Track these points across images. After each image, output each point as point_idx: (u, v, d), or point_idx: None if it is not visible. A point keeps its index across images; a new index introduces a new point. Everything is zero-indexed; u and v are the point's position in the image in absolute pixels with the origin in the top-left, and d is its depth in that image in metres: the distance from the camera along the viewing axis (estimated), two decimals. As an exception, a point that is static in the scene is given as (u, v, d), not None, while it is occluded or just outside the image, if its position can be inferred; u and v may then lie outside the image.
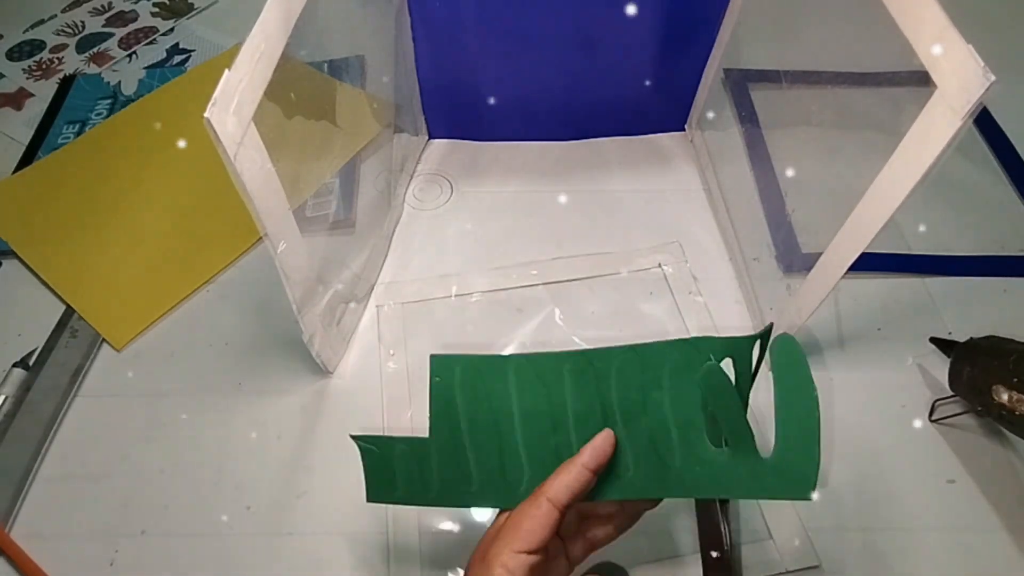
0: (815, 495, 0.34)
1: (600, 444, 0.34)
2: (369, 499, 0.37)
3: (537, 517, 0.32)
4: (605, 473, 0.34)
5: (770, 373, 0.34)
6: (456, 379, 0.36)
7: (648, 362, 0.35)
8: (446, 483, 0.36)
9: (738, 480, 0.34)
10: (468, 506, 0.43)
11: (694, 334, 0.54)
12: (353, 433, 0.36)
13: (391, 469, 0.36)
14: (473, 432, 0.36)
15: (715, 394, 0.34)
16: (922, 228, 0.61)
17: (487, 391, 0.36)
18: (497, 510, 0.36)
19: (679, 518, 0.45)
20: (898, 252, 0.59)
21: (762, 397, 0.35)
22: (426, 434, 0.36)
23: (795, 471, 0.33)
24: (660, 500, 0.36)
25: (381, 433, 0.49)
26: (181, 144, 0.67)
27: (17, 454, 0.49)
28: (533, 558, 0.31)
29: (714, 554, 0.35)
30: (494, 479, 0.36)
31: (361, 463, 0.37)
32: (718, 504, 0.41)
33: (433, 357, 0.36)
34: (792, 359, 0.34)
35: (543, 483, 0.33)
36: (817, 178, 0.60)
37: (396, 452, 0.36)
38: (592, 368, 0.36)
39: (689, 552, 0.44)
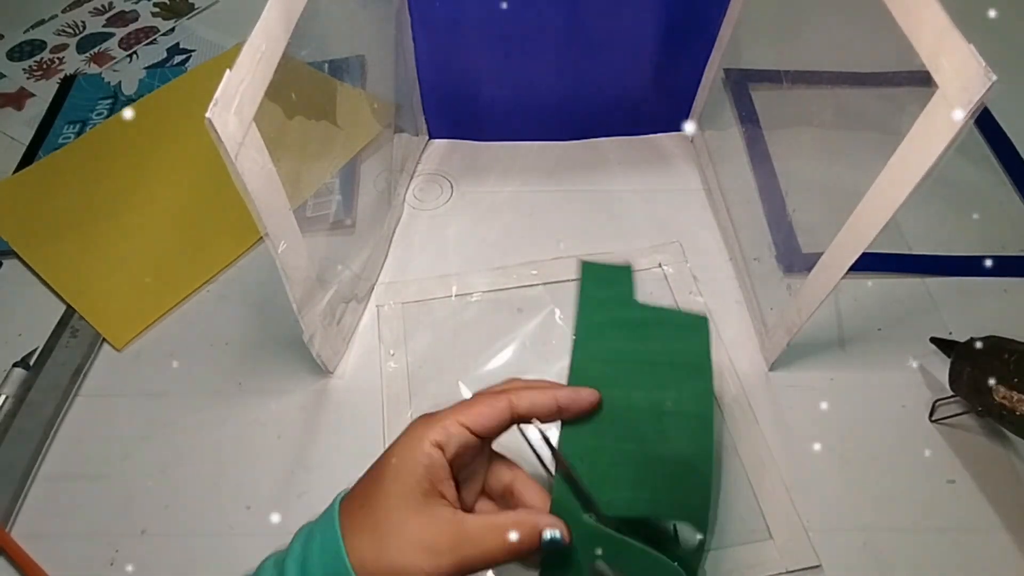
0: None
1: (584, 394, 0.35)
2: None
3: (493, 406, 0.33)
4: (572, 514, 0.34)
5: None
6: None
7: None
8: None
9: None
10: None
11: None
12: None
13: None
14: None
15: None
16: (922, 228, 0.61)
17: None
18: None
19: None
20: (899, 252, 0.59)
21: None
22: None
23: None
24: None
25: (382, 434, 0.49)
26: (181, 144, 0.67)
27: (18, 454, 0.49)
28: (470, 438, 0.32)
29: None
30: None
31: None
32: None
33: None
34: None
35: (514, 386, 0.35)
36: (818, 178, 0.60)
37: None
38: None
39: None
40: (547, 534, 0.32)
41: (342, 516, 0.32)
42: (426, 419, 0.33)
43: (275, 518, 0.46)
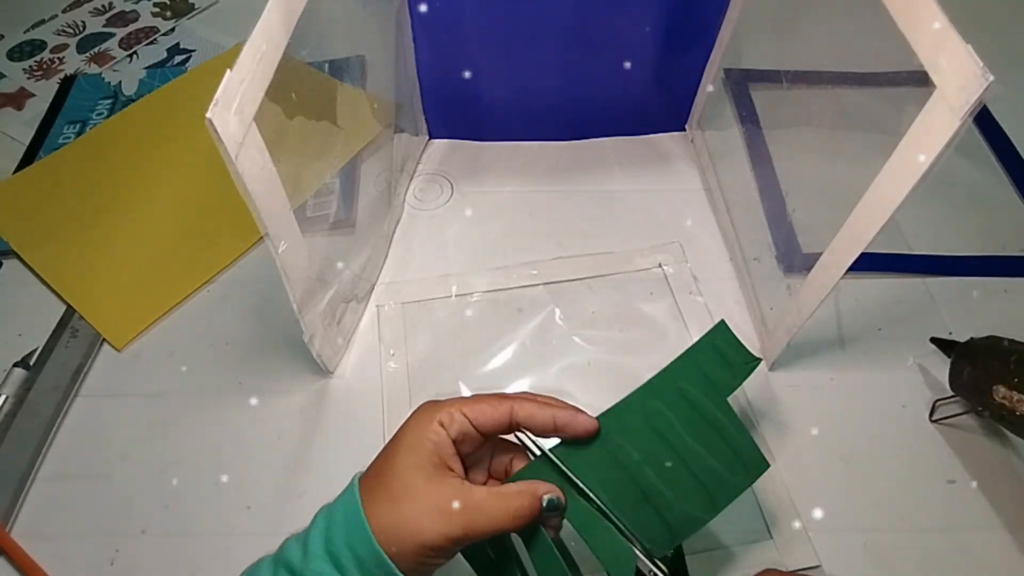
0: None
1: (581, 420, 0.36)
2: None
3: (495, 406, 0.35)
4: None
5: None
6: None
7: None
8: None
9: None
10: None
11: (694, 335, 0.54)
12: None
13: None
14: None
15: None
16: (922, 228, 0.61)
17: None
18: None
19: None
20: (899, 252, 0.59)
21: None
22: None
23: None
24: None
25: (382, 433, 0.49)
26: (182, 144, 0.67)
27: (18, 454, 0.49)
28: (470, 428, 0.35)
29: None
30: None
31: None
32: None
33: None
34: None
35: (519, 395, 0.37)
36: (817, 178, 0.60)
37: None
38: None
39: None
40: (547, 499, 0.34)
41: (361, 492, 0.34)
42: (433, 403, 0.36)
43: (275, 518, 0.46)
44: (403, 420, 0.36)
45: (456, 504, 0.32)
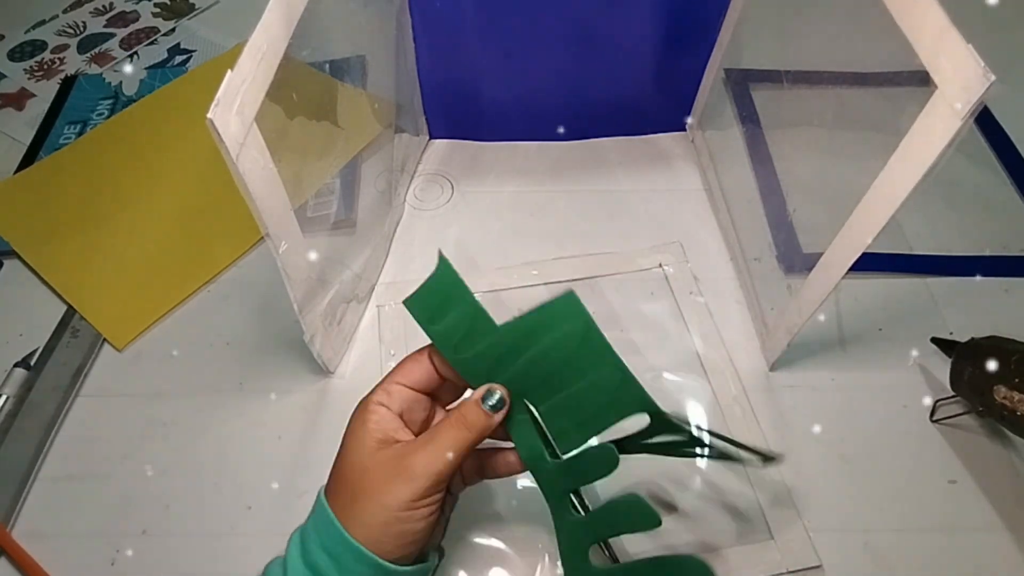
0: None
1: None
2: (406, 302, 0.37)
3: (417, 360, 0.36)
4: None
5: None
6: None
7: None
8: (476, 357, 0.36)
9: None
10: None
11: (695, 335, 0.54)
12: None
13: (446, 306, 0.36)
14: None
15: None
16: (923, 228, 0.61)
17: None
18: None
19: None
20: (899, 252, 0.59)
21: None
22: None
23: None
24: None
25: None
26: (182, 144, 0.67)
27: (19, 454, 0.49)
28: (410, 392, 0.36)
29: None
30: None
31: (431, 278, 0.37)
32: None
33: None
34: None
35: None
36: (818, 178, 0.60)
37: (465, 300, 0.36)
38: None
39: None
40: (485, 402, 0.35)
41: (327, 499, 0.34)
42: (365, 396, 0.36)
43: (276, 518, 0.46)
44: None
45: (408, 462, 0.33)
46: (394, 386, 0.36)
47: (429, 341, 0.37)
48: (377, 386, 0.36)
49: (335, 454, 0.49)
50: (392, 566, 0.33)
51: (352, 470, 0.34)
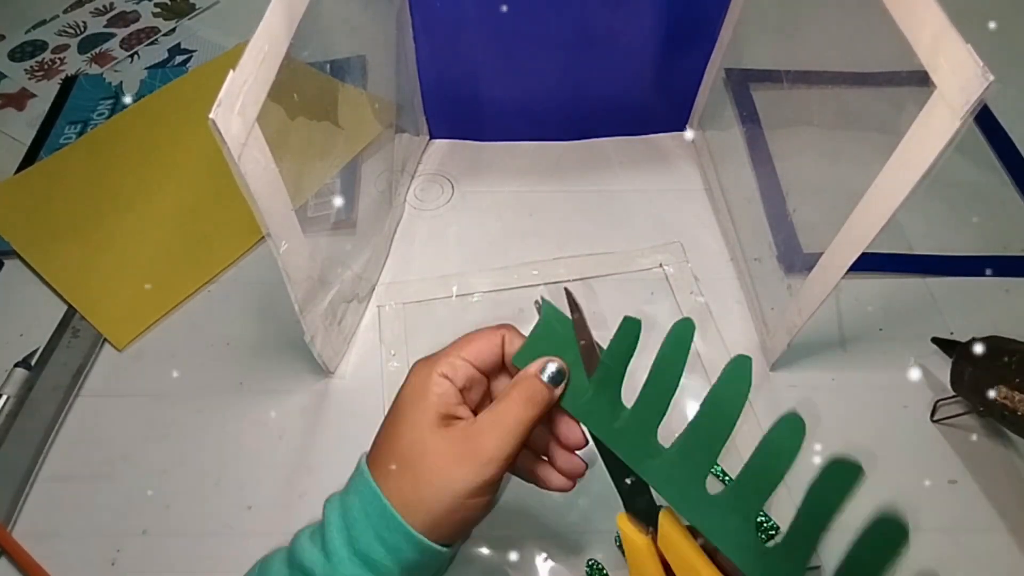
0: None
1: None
2: (515, 360, 0.35)
3: (488, 339, 0.34)
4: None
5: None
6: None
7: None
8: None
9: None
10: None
11: (695, 334, 0.54)
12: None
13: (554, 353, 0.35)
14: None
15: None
16: (924, 228, 0.61)
17: None
18: None
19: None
20: (900, 252, 0.59)
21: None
22: None
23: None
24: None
25: None
26: (183, 144, 0.67)
27: (19, 454, 0.49)
28: (475, 372, 0.34)
29: (628, 481, 0.35)
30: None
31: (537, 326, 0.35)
32: None
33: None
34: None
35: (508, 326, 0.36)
36: (818, 178, 0.60)
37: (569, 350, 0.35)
38: None
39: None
40: (545, 372, 0.33)
41: (372, 472, 0.32)
42: (427, 359, 0.34)
43: (276, 518, 0.46)
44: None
45: (472, 444, 0.31)
46: (460, 360, 0.33)
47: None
48: (439, 356, 0.34)
49: (336, 453, 0.49)
50: (441, 548, 0.31)
51: (411, 448, 0.31)
